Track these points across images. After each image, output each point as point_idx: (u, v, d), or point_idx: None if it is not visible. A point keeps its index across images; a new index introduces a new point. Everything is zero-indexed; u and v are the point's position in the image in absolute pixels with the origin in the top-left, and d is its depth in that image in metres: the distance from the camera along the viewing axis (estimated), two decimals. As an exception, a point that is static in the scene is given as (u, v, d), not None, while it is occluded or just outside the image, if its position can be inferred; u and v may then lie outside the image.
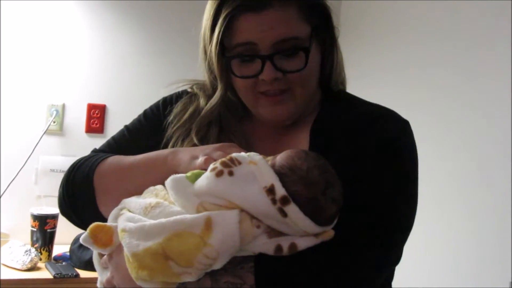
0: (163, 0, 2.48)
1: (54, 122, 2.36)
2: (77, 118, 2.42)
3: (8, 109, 2.29)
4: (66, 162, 2.37)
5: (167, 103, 1.15)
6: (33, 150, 2.26)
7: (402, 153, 0.99)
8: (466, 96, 1.90)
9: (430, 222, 2.01)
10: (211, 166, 0.85)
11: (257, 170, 0.83)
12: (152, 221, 0.84)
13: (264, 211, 0.81)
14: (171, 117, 1.11)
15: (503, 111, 1.75)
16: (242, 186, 0.82)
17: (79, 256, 2.08)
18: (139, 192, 0.97)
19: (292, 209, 0.80)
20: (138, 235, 0.84)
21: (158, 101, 1.18)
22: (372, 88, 2.44)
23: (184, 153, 0.98)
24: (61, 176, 1.09)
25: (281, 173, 0.83)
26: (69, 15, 2.37)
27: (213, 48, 1.00)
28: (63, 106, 2.38)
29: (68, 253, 2.15)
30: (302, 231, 0.82)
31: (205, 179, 0.84)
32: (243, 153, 0.87)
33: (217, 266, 0.81)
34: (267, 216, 0.81)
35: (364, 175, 0.93)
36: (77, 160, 1.09)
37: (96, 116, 2.43)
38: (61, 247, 2.20)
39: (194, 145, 1.05)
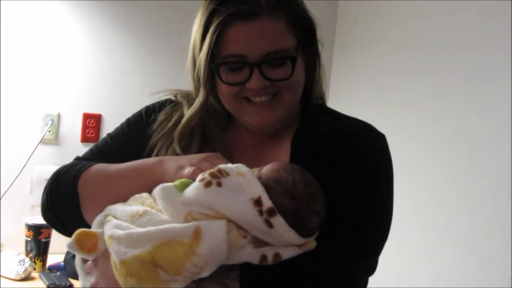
0: (160, 11, 2.49)
1: (49, 131, 2.36)
2: (73, 127, 2.42)
3: (3, 119, 2.29)
4: (61, 172, 2.40)
5: (150, 111, 1.17)
6: (28, 160, 2.26)
7: (378, 166, 1.02)
8: (461, 100, 1.92)
9: (428, 226, 2.02)
10: (200, 176, 0.86)
11: (245, 181, 0.85)
12: (141, 229, 0.86)
13: (251, 222, 0.83)
14: (155, 125, 1.13)
15: (499, 117, 1.76)
16: (229, 197, 0.84)
17: (73, 266, 2.05)
18: (123, 200, 0.98)
19: (278, 220, 0.83)
20: (127, 243, 0.85)
21: (141, 110, 1.20)
22: (367, 93, 2.46)
23: (170, 162, 0.99)
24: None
25: (268, 186, 0.85)
26: (64, 24, 2.37)
27: (203, 55, 1.01)
28: (59, 115, 2.39)
29: (62, 263, 2.15)
30: (286, 241, 0.84)
31: (194, 189, 0.85)
32: (230, 165, 0.88)
33: (204, 274, 0.83)
34: (253, 227, 0.83)
35: (341, 187, 0.96)
36: (61, 167, 1.10)
37: (92, 126, 2.43)
38: (55, 257, 2.19)
39: (177, 154, 1.07)
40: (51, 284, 1.98)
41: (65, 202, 1.05)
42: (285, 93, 1.03)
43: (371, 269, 1.00)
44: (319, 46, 1.10)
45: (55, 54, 2.37)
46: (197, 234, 0.82)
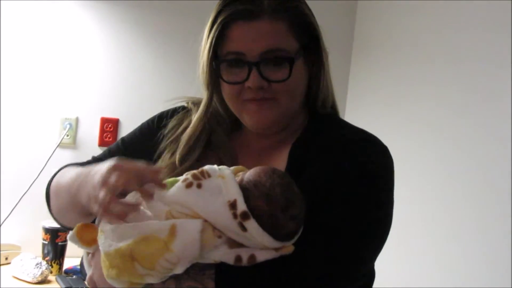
0: (180, 16, 2.49)
1: (67, 135, 2.37)
2: (90, 131, 2.43)
3: (22, 122, 2.31)
4: (79, 176, 2.41)
5: (163, 117, 1.20)
6: (46, 163, 2.26)
7: (376, 177, 0.99)
8: (481, 114, 1.88)
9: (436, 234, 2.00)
10: (184, 177, 0.89)
11: (224, 184, 0.86)
12: (125, 224, 0.89)
13: (226, 224, 0.85)
14: (166, 131, 1.15)
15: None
16: (207, 199, 0.86)
17: (90, 270, 2.07)
18: (68, 207, 1.03)
19: (252, 224, 0.84)
20: (112, 236, 0.88)
21: (155, 115, 1.23)
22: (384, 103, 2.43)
23: (85, 189, 0.94)
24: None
25: (246, 188, 0.87)
26: (84, 29, 2.39)
27: (205, 54, 1.04)
28: (77, 119, 2.40)
29: (78, 267, 2.15)
30: (260, 244, 0.85)
31: (176, 188, 0.88)
32: (215, 166, 0.90)
33: (178, 271, 0.85)
34: (228, 229, 0.85)
35: (335, 195, 0.94)
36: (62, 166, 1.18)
37: (109, 130, 2.44)
38: (72, 260, 2.20)
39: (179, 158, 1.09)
40: (67, 287, 1.98)
41: (47, 199, 1.14)
42: (282, 97, 1.03)
43: (353, 278, 0.97)
44: (324, 54, 1.09)
45: (74, 58, 2.38)
46: (172, 231, 0.85)
